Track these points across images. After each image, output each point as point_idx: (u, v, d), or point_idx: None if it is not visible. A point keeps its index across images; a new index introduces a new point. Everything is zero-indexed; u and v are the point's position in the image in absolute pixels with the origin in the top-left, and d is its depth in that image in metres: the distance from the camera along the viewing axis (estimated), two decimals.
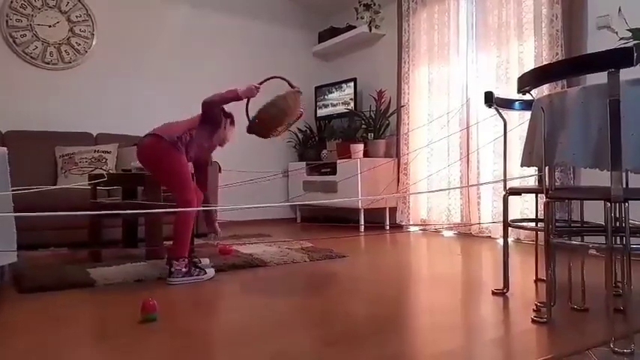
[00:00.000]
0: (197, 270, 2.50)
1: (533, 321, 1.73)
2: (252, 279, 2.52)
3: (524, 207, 3.56)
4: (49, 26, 4.43)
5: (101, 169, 4.12)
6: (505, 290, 2.14)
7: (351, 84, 5.21)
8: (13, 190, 1.97)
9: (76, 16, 4.54)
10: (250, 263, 2.85)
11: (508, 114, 2.31)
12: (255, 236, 4.07)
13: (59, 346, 1.53)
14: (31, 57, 4.34)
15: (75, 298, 2.14)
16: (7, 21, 4.23)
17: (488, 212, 3.90)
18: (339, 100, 5.35)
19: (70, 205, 3.36)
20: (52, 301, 2.08)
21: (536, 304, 1.89)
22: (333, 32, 5.49)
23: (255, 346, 1.54)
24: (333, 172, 4.87)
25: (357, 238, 4.19)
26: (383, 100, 4.87)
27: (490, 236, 3.90)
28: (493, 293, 2.15)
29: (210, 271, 2.54)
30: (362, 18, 5.05)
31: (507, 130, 2.18)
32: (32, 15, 4.35)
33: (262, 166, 5.27)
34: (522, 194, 2.12)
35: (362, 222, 4.64)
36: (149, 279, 2.50)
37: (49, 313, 1.91)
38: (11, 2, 4.25)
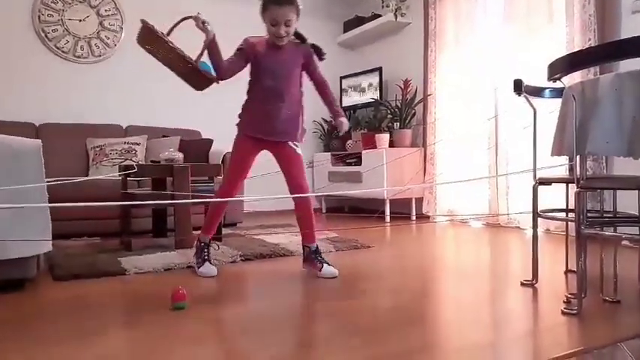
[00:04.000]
0: (206, 253, 2.46)
1: (563, 313, 1.70)
2: (278, 268, 2.54)
3: (555, 197, 3.49)
4: (80, 20, 4.52)
5: (131, 160, 4.21)
6: (534, 281, 2.11)
7: (377, 73, 5.17)
8: (47, 182, 2.03)
9: (105, 10, 4.62)
10: (277, 252, 2.87)
11: (538, 102, 2.26)
12: (281, 226, 4.10)
13: (93, 332, 1.58)
14: (63, 51, 4.45)
15: (107, 286, 2.21)
16: (39, 16, 4.34)
17: (517, 202, 3.84)
18: (365, 90, 5.32)
19: (101, 195, 3.46)
20: (86, 289, 2.15)
21: (566, 296, 1.86)
22: (359, 21, 5.44)
23: (281, 334, 1.56)
24: (359, 162, 4.85)
25: (383, 228, 4.18)
26: (409, 90, 4.82)
27: (519, 227, 3.84)
28: (522, 284, 2.12)
29: (211, 269, 2.41)
30: (387, 6, 4.99)
31: (537, 119, 2.13)
32: (63, 10, 4.45)
33: None
34: (552, 184, 2.08)
35: (387, 212, 4.62)
36: (178, 268, 2.56)
37: (83, 300, 1.98)
38: None
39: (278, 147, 2.37)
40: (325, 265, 2.36)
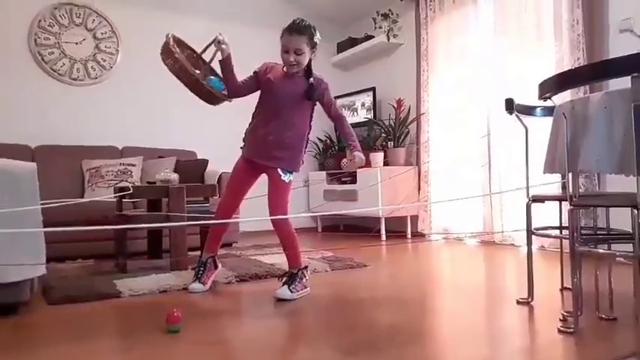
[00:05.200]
0: (201, 271, 2.53)
1: (559, 331, 1.70)
2: (273, 289, 2.53)
3: (549, 214, 3.51)
4: (76, 43, 4.56)
5: (126, 181, 4.21)
6: (530, 299, 2.11)
7: (370, 93, 5.22)
8: (42, 205, 2.03)
9: (102, 33, 4.67)
10: (272, 273, 2.86)
11: (530, 120, 2.29)
12: (277, 246, 4.08)
13: (87, 357, 1.56)
14: (59, 74, 4.48)
15: (102, 310, 2.19)
16: (35, 39, 4.38)
17: (511, 219, 3.85)
18: (359, 109, 5.37)
19: (96, 217, 3.44)
20: (80, 313, 2.13)
21: (562, 314, 1.86)
22: (352, 42, 5.52)
23: (276, 356, 1.55)
24: (354, 180, 4.87)
25: (379, 247, 4.18)
26: (402, 109, 4.86)
27: (513, 244, 3.85)
28: (518, 302, 2.12)
29: (197, 286, 2.47)
30: (380, 27, 5.07)
31: (529, 137, 2.16)
32: (59, 33, 4.49)
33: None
34: (545, 201, 2.09)
35: (383, 231, 4.63)
36: (174, 289, 2.54)
37: (77, 324, 1.96)
38: (39, 21, 4.39)
39: (269, 170, 2.40)
40: (284, 286, 2.30)
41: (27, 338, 1.78)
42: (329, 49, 5.78)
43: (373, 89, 5.21)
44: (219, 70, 2.43)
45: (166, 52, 2.27)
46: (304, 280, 2.38)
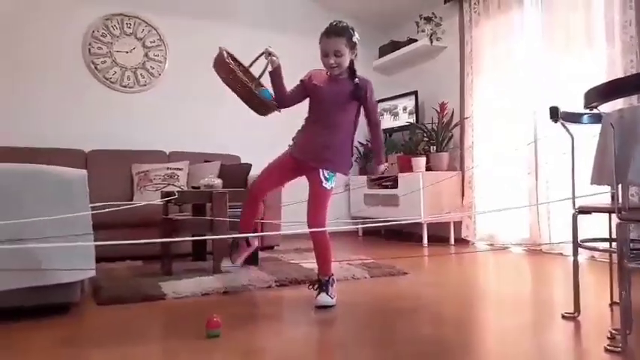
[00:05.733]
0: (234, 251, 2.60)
1: (606, 350, 1.63)
2: (312, 295, 2.54)
3: (600, 223, 3.36)
4: (126, 52, 4.76)
5: (173, 185, 4.35)
6: (576, 314, 2.03)
7: (412, 97, 5.17)
8: (91, 212, 2.13)
9: (150, 42, 4.85)
10: (311, 278, 2.87)
11: (577, 127, 2.20)
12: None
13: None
14: (111, 82, 4.68)
15: (147, 311, 2.28)
16: (89, 49, 4.60)
17: (559, 228, 3.72)
18: (400, 113, 5.33)
19: (144, 219, 3.58)
20: (126, 314, 2.22)
21: (610, 331, 1.78)
22: (394, 46, 5.48)
23: None
24: (395, 185, 4.83)
25: (420, 253, 4.13)
26: (445, 113, 4.79)
27: (562, 253, 3.71)
28: (563, 317, 2.05)
29: (229, 265, 2.59)
30: (423, 31, 5.02)
31: (575, 146, 2.08)
32: (111, 43, 4.69)
33: None
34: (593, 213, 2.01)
35: (425, 237, 4.56)
36: (215, 293, 2.60)
37: (122, 325, 2.04)
38: (93, 32, 4.61)
39: (312, 174, 2.39)
40: (322, 293, 2.31)
41: (74, 338, 1.87)
42: (371, 53, 5.76)
43: (415, 93, 5.16)
44: (266, 82, 2.50)
45: (220, 64, 2.35)
46: (334, 285, 2.40)
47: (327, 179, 2.36)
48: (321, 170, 2.36)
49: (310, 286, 2.43)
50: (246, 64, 2.55)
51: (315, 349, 1.73)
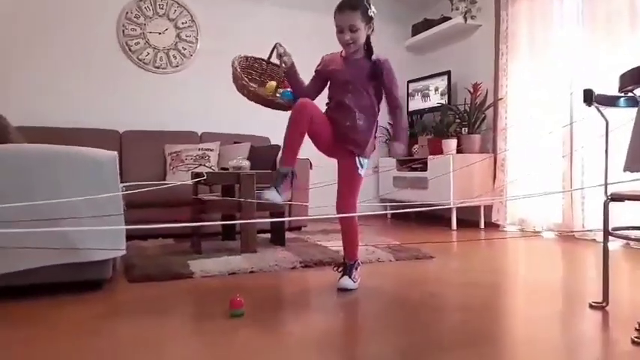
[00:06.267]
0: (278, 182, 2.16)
1: (633, 342, 1.59)
2: (337, 277, 2.56)
3: (637, 209, 3.24)
4: (159, 33, 4.82)
5: (204, 165, 4.43)
6: (604, 304, 1.98)
7: (445, 77, 5.06)
8: (122, 192, 2.20)
9: (182, 23, 4.89)
10: (337, 261, 2.89)
11: (613, 111, 2.12)
12: None
13: (156, 338, 1.69)
14: (144, 62, 4.76)
15: (175, 289, 2.35)
16: (123, 30, 4.68)
17: (593, 214, 3.61)
18: (431, 94, 5.23)
19: (175, 199, 3.68)
20: (156, 292, 2.30)
21: (638, 323, 1.73)
22: (427, 24, 5.35)
23: (338, 349, 1.59)
24: (424, 168, 4.78)
25: (448, 236, 4.09)
26: (478, 94, 4.67)
27: (595, 240, 3.60)
28: (591, 306, 2.00)
29: (272, 195, 2.09)
30: (457, 9, 4.87)
31: (610, 130, 2.00)
32: (144, 24, 4.76)
33: None
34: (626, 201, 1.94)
35: (454, 221, 4.51)
36: (242, 272, 2.66)
37: (151, 303, 2.12)
38: (127, 13, 4.68)
39: (347, 160, 2.31)
40: (345, 276, 2.32)
41: (106, 313, 1.96)
42: (403, 32, 5.65)
43: (448, 73, 5.04)
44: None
45: (236, 81, 2.35)
46: (359, 270, 2.39)
47: (362, 166, 2.30)
48: (357, 157, 2.29)
49: (335, 268, 2.43)
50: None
51: (334, 333, 1.76)
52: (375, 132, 2.38)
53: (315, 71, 2.40)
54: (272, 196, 2.09)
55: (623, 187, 2.09)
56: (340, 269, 2.39)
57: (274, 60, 2.41)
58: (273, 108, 2.40)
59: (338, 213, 2.33)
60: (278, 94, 2.38)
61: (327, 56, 2.38)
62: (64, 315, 1.91)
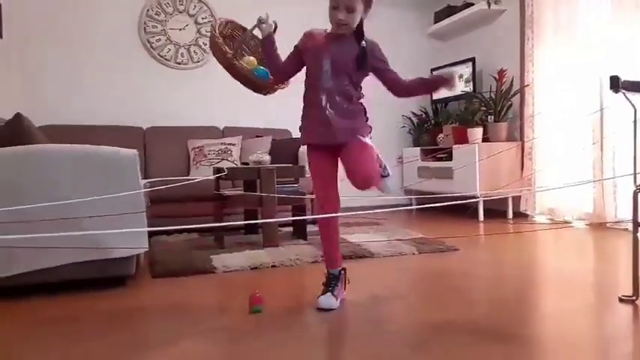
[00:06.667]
0: (332, 285, 2.01)
1: None
2: (357, 271, 2.52)
3: None
4: (180, 29, 4.85)
5: (227, 160, 4.45)
6: (635, 297, 1.91)
7: (469, 64, 4.94)
8: (144, 190, 2.23)
9: (202, 18, 4.90)
10: (357, 254, 2.88)
11: None
12: (367, 224, 4.10)
13: (176, 335, 1.71)
14: (165, 59, 4.81)
15: (197, 285, 2.37)
16: (144, 28, 4.72)
17: (626, 203, 3.47)
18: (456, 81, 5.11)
19: (199, 194, 3.71)
20: (178, 287, 2.33)
21: None
22: (450, 11, 5.22)
23: (356, 345, 1.57)
24: (449, 157, 4.69)
25: (474, 228, 4.01)
26: (504, 80, 4.54)
27: (628, 229, 3.47)
28: (621, 300, 1.93)
29: (328, 302, 1.94)
30: None
31: (638, 118, 1.91)
32: (165, 20, 4.79)
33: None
34: None
35: (481, 212, 4.42)
36: (264, 267, 2.67)
37: (173, 299, 2.14)
38: (147, 10, 4.72)
39: (340, 148, 1.98)
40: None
41: (129, 309, 1.98)
42: (426, 19, 5.53)
43: (473, 60, 4.92)
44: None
45: (213, 46, 2.16)
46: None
47: (363, 137, 1.98)
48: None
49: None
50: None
51: (354, 329, 1.74)
52: (365, 116, 2.05)
53: (295, 47, 2.06)
54: (327, 302, 1.92)
55: None
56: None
57: (257, 33, 2.18)
58: (244, 84, 2.17)
59: (362, 186, 1.91)
60: (237, 63, 2.13)
61: (309, 31, 2.06)
62: (90, 310, 1.95)
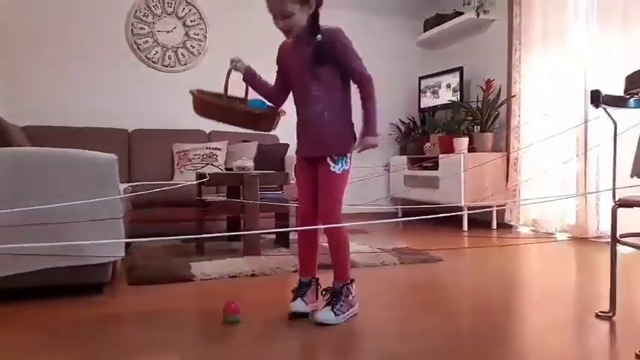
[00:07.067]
0: (302, 292, 2.02)
1: (637, 356, 1.52)
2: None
3: None
4: (167, 32, 4.82)
5: (212, 165, 4.42)
6: (611, 314, 1.90)
7: (457, 73, 4.96)
8: (121, 195, 2.19)
9: (191, 21, 4.88)
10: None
11: (623, 113, 2.02)
12: (350, 233, 4.07)
13: (148, 345, 1.68)
14: (153, 61, 4.77)
15: (175, 293, 2.33)
16: (132, 29, 4.69)
17: (609, 216, 3.48)
18: (441, 90, 5.13)
19: (181, 199, 3.66)
20: (154, 295, 2.29)
21: None
22: (439, 19, 5.24)
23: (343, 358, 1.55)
24: (435, 167, 4.69)
25: (458, 238, 4.01)
26: (492, 90, 4.56)
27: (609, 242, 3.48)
28: (597, 316, 1.92)
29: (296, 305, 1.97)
30: (469, 3, 4.76)
31: (620, 132, 1.92)
32: (153, 22, 4.76)
33: (362, 160, 5.25)
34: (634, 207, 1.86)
35: (465, 222, 4.42)
36: (243, 275, 2.63)
37: (148, 307, 2.10)
38: (135, 12, 4.69)
39: (318, 163, 1.94)
40: (327, 307, 1.89)
41: (101, 318, 1.94)
42: (415, 27, 5.55)
43: (460, 69, 4.94)
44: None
45: (199, 107, 2.19)
46: (350, 297, 1.93)
47: (335, 161, 1.89)
48: (327, 158, 1.90)
49: (324, 292, 1.99)
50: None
51: (324, 342, 1.72)
52: (347, 125, 1.95)
53: (277, 64, 2.06)
54: (296, 306, 1.92)
55: (637, 190, 2.01)
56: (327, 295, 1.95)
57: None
58: (245, 122, 2.14)
59: (322, 224, 1.93)
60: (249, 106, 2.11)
61: (281, 44, 2.02)
62: (62, 318, 1.91)
